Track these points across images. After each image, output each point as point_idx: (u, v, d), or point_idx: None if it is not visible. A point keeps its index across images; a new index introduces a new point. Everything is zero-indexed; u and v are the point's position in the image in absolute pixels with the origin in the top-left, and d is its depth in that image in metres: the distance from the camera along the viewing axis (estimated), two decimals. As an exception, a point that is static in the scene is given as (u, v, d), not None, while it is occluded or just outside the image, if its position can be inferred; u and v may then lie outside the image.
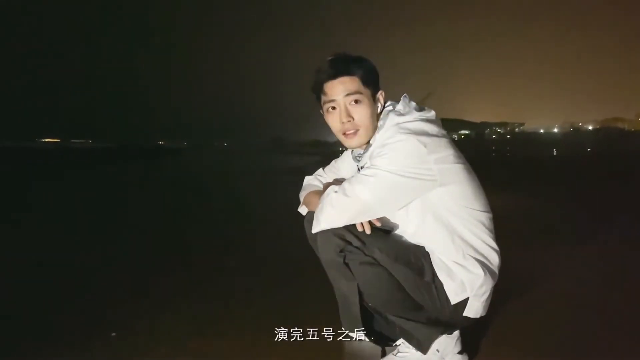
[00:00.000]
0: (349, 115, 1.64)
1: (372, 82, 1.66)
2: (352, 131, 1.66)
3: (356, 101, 1.64)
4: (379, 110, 1.69)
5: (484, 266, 1.59)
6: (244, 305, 2.44)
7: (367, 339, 1.87)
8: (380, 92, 1.69)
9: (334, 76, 1.64)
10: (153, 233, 4.53)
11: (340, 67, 1.64)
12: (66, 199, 7.64)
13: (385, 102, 1.71)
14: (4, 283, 2.91)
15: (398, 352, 1.69)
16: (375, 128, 1.67)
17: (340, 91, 1.64)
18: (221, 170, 16.76)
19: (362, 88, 1.64)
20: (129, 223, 5.19)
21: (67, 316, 2.32)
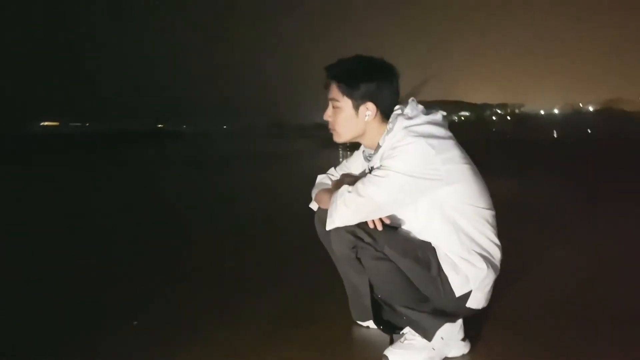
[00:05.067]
0: (329, 115, 1.83)
1: (351, 94, 1.77)
2: (331, 129, 1.86)
3: (335, 107, 1.81)
4: (367, 119, 1.78)
5: (487, 261, 1.71)
6: (248, 294, 2.55)
7: (376, 328, 2.01)
8: (366, 104, 1.77)
9: (327, 77, 1.83)
10: (153, 222, 4.64)
11: (327, 72, 1.83)
12: (76, 186, 7.74)
13: (379, 112, 1.78)
14: (23, 274, 3.03)
15: (405, 339, 1.80)
16: (355, 134, 1.83)
17: (327, 93, 1.83)
18: (220, 154, 16.83)
19: (339, 96, 1.79)
20: (136, 211, 5.30)
21: (88, 306, 2.43)
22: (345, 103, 1.79)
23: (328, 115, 1.84)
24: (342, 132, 1.83)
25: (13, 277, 2.96)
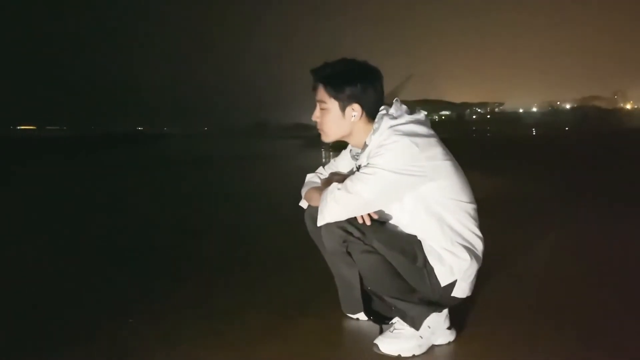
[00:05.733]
0: (317, 116, 1.93)
1: (337, 96, 1.87)
2: (319, 129, 1.95)
3: (322, 108, 1.90)
4: (353, 120, 1.88)
5: (470, 252, 1.80)
6: (241, 290, 2.61)
7: (366, 318, 2.09)
8: (352, 105, 1.86)
9: (314, 80, 1.92)
10: (146, 221, 4.66)
11: (314, 75, 1.91)
12: (69, 188, 7.69)
13: (365, 113, 1.88)
14: (19, 274, 3.05)
15: (394, 329, 1.88)
16: (341, 134, 1.92)
17: (315, 95, 1.91)
18: (204, 156, 16.80)
19: (326, 98, 1.88)
20: (124, 211, 5.31)
21: (83, 305, 2.46)
22: (332, 105, 1.88)
23: (316, 116, 1.93)
24: (330, 133, 1.93)
25: (9, 277, 2.98)
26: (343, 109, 1.87)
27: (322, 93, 1.89)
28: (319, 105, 1.91)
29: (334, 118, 1.89)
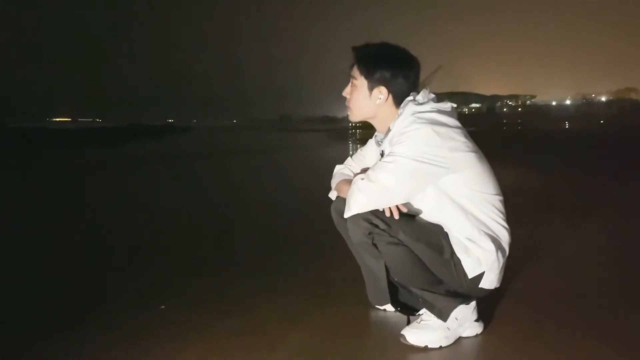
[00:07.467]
0: (347, 92, 1.97)
1: (367, 76, 1.90)
2: (347, 105, 1.99)
3: (353, 84, 1.94)
4: (379, 102, 1.90)
5: (496, 243, 1.79)
6: (272, 279, 2.64)
7: (393, 310, 2.11)
8: (379, 87, 1.89)
9: (353, 57, 1.95)
10: (173, 212, 4.77)
11: (353, 52, 1.94)
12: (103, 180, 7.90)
13: (392, 98, 1.89)
14: (50, 256, 3.16)
15: (421, 320, 1.89)
16: (366, 114, 1.96)
17: (351, 70, 1.95)
18: (232, 147, 16.96)
19: (357, 75, 1.92)
20: (166, 201, 5.43)
21: (116, 289, 2.54)
22: (362, 83, 1.91)
23: (347, 92, 1.98)
24: (355, 111, 1.97)
25: (52, 262, 3.09)
26: (371, 89, 1.90)
27: (355, 70, 1.93)
28: (351, 81, 1.95)
29: (361, 96, 1.92)
